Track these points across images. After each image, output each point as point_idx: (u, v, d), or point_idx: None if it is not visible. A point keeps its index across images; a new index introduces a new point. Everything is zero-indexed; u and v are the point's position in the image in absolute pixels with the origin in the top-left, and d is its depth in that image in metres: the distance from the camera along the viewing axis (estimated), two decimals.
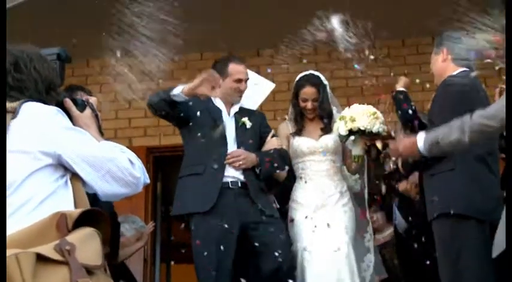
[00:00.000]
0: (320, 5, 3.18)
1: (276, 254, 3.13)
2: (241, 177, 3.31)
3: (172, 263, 5.71)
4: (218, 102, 3.46)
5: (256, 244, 3.19)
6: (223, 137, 3.33)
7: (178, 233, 6.19)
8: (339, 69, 5.17)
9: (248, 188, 3.30)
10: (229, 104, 3.50)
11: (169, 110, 3.21)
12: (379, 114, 3.36)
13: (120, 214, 3.51)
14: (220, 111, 3.43)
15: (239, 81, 3.44)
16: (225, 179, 3.26)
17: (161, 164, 5.59)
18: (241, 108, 3.52)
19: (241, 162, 3.27)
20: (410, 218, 3.86)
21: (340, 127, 3.37)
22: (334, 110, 3.63)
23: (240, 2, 4.66)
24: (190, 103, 3.28)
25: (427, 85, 4.10)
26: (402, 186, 3.88)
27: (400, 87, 3.40)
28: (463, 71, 3.04)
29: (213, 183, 3.22)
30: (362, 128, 3.31)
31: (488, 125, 2.43)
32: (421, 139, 2.67)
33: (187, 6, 3.78)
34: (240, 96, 3.50)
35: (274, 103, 4.69)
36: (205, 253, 3.10)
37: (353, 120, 3.32)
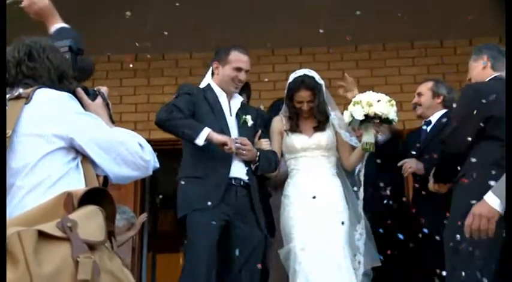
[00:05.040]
0: None
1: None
2: (245, 178, 3.25)
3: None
4: (220, 94, 3.36)
5: (233, 242, 3.17)
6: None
7: (164, 224, 6.37)
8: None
9: (250, 189, 3.25)
10: (228, 96, 3.39)
11: None
12: (393, 101, 3.29)
13: None
14: (223, 114, 3.33)
15: (238, 69, 3.30)
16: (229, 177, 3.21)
17: None
18: (242, 104, 3.44)
19: (245, 153, 3.20)
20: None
21: (356, 111, 3.23)
22: (329, 109, 3.53)
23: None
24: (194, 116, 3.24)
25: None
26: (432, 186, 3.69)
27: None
28: (495, 76, 3.05)
29: (218, 184, 3.17)
30: (379, 113, 3.22)
31: None
32: (493, 199, 2.42)
33: None
34: (237, 88, 3.37)
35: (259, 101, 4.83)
36: (198, 245, 3.07)
37: (370, 105, 3.21)
